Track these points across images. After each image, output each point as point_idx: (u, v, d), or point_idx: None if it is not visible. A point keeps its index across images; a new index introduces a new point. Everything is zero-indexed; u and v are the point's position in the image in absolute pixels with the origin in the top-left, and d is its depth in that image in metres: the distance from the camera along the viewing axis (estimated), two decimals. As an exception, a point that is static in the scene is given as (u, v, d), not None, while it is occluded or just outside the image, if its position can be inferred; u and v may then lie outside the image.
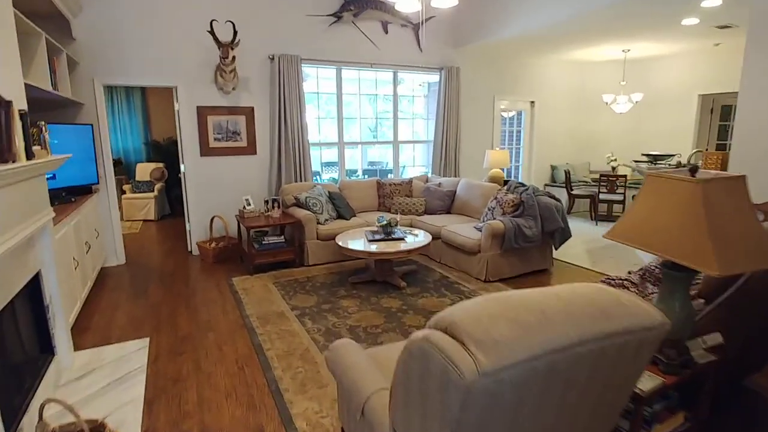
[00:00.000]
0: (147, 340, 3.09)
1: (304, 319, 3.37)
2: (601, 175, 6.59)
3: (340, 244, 3.99)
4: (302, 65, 5.36)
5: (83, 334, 3.18)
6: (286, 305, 3.65)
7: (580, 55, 7.03)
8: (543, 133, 7.74)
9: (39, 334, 2.56)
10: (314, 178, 5.97)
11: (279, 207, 4.91)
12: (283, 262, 4.70)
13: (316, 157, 6.49)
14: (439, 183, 5.62)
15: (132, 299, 3.84)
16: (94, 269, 4.06)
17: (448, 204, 5.37)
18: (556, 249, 4.56)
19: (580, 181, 7.69)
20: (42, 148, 2.29)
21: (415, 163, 6.96)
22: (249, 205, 4.95)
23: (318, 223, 4.73)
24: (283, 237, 4.75)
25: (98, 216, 4.50)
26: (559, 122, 7.88)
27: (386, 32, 5.86)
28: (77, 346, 3.01)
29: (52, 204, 3.54)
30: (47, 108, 4.30)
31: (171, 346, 3.00)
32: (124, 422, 2.21)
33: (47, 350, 2.59)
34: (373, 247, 3.89)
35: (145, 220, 7.15)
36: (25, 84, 2.82)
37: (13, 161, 1.87)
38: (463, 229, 4.48)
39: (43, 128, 2.47)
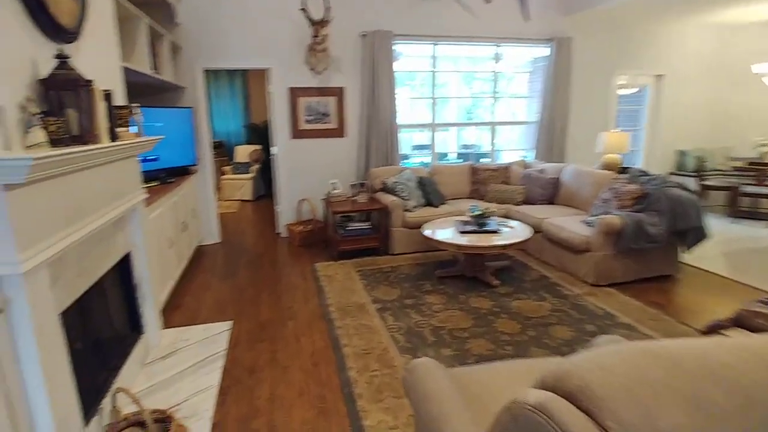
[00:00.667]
0: (230, 323, 3.08)
1: (385, 315, 3.13)
2: (750, 164, 5.43)
3: (426, 234, 3.68)
4: (395, 42, 5.05)
5: (174, 312, 3.28)
6: (367, 297, 3.45)
7: (725, 15, 5.81)
8: (671, 112, 6.61)
9: (129, 313, 2.63)
10: (403, 162, 5.70)
11: (366, 191, 4.72)
12: (367, 250, 4.52)
13: (407, 140, 6.20)
14: (542, 169, 5.01)
15: (221, 280, 3.92)
16: (190, 248, 4.22)
17: (551, 193, 4.77)
18: (687, 251, 3.79)
19: (715, 170, 6.47)
20: (128, 130, 2.29)
21: (513, 147, 6.36)
22: (336, 188, 4.83)
23: (405, 209, 4.45)
24: (369, 223, 4.56)
25: (196, 196, 4.68)
26: (692, 100, 6.67)
27: (487, 1, 5.31)
28: (168, 323, 3.09)
29: (151, 184, 3.70)
30: (153, 92, 4.52)
31: (251, 332, 2.95)
32: (196, 412, 2.15)
33: (136, 329, 2.66)
34: (464, 240, 3.51)
35: (242, 200, 7.48)
36: (126, 68, 2.88)
37: (94, 143, 1.82)
38: (568, 223, 3.90)
39: (134, 110, 2.48)
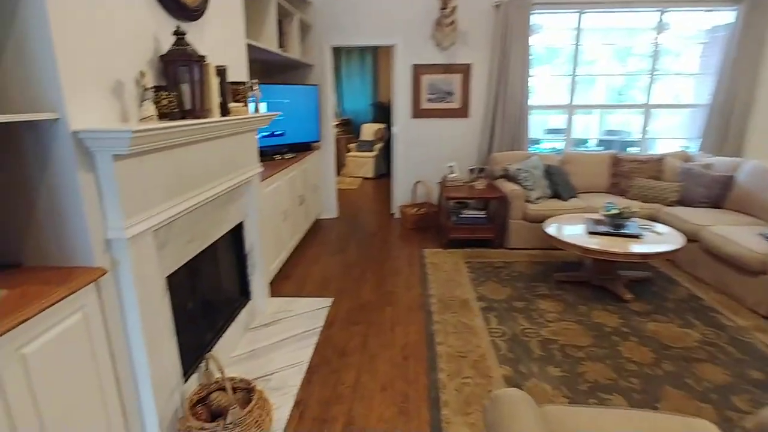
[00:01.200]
0: (330, 300, 3.11)
1: (490, 315, 2.86)
2: None
3: (549, 231, 3.24)
4: (533, 13, 4.51)
5: (284, 282, 3.44)
6: (472, 292, 3.19)
7: None
8: None
9: (240, 279, 2.79)
10: (532, 147, 5.17)
11: (485, 177, 4.38)
12: (480, 241, 4.21)
13: (539, 123, 5.61)
14: (708, 164, 4.09)
15: (331, 255, 4.01)
16: (307, 221, 4.40)
17: (719, 194, 3.86)
18: None
19: None
20: (244, 105, 2.36)
21: (671, 136, 5.33)
22: (453, 172, 4.58)
23: (527, 200, 4.02)
24: (484, 212, 4.24)
25: (317, 172, 4.85)
26: None
27: (655, -42, 4.41)
28: (277, 292, 3.25)
29: (273, 159, 3.89)
30: (282, 70, 4.74)
31: (349, 313, 2.93)
32: (283, 385, 2.19)
33: (244, 294, 2.82)
34: (593, 242, 3.01)
35: (364, 178, 7.65)
36: (253, 46, 3.00)
37: (204, 117, 1.88)
38: (740, 235, 3.10)
39: (254, 86, 2.55)
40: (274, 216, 3.31)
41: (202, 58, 1.79)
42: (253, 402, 1.79)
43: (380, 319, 2.84)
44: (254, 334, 2.68)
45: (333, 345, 2.56)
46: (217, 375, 2.07)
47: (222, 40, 2.38)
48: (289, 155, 4.03)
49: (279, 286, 3.36)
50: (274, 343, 2.58)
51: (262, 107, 3.82)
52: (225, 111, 2.10)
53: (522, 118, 4.74)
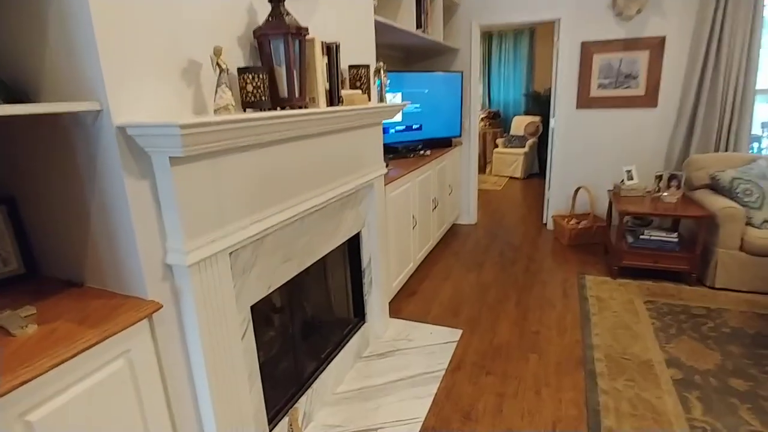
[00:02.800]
0: (459, 333, 2.53)
1: (689, 395, 1.96)
2: None
3: (794, 275, 2.15)
4: (773, -44, 3.20)
5: (408, 300, 2.97)
6: (658, 351, 2.28)
7: None
8: None
9: (354, 298, 2.40)
10: (753, 147, 3.79)
11: (679, 187, 3.28)
12: (667, 272, 3.16)
13: (762, 115, 4.12)
14: None
15: (465, 270, 3.42)
16: (440, 227, 3.87)
17: None
18: None
19: None
20: (364, 94, 1.92)
21: None
22: (631, 179, 3.55)
23: (749, 223, 2.85)
24: (675, 234, 3.15)
25: (455, 171, 4.27)
26: None
27: None
28: (399, 312, 2.80)
29: (406, 157, 3.44)
30: (423, 55, 4.25)
31: (480, 356, 2.32)
32: (386, 456, 1.71)
33: (359, 315, 2.42)
34: None
35: (511, 177, 6.80)
36: (382, 24, 2.55)
37: (303, 107, 1.47)
38: None
39: (381, 71, 2.10)
40: (400, 223, 2.85)
41: (302, 30, 1.37)
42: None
43: (521, 373, 2.17)
44: (366, 366, 2.26)
45: (456, 401, 1.99)
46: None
47: (340, 16, 1.97)
48: (425, 152, 3.54)
49: (401, 303, 2.91)
50: (386, 383, 2.12)
51: (395, 97, 3.41)
52: (335, 100, 1.67)
53: (740, 107, 3.45)
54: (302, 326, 2.06)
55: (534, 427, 1.81)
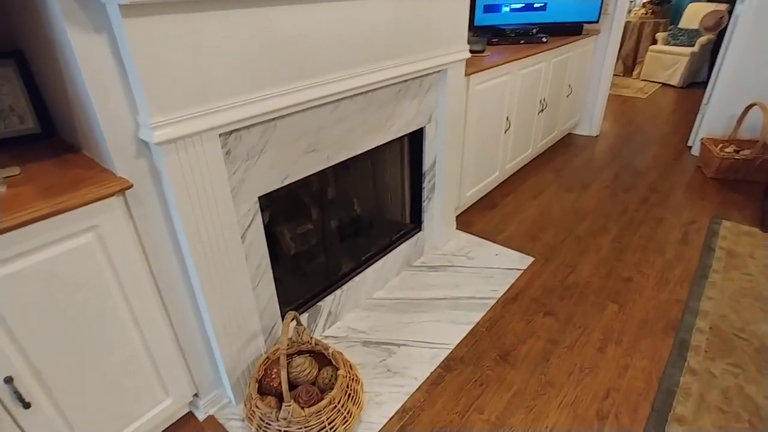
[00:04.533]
0: (529, 261, 2.19)
1: (819, 402, 1.44)
2: None
3: None
4: None
5: (483, 213, 2.63)
6: (794, 334, 1.71)
7: None
8: None
9: (412, 202, 2.15)
10: None
11: None
12: None
13: None
14: None
15: (562, 190, 2.90)
16: (546, 136, 3.28)
17: None
18: None
19: None
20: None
21: None
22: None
23: None
24: None
25: (582, 67, 3.46)
26: None
27: None
28: (469, 224, 2.51)
29: (515, 42, 2.82)
30: None
31: (545, 292, 1.98)
32: (401, 372, 1.58)
33: (415, 222, 2.19)
34: None
35: (664, 84, 5.46)
36: None
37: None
38: None
39: None
40: (487, 124, 2.41)
41: None
42: (325, 401, 1.25)
43: (590, 322, 1.81)
44: (413, 277, 2.09)
45: (498, 337, 1.74)
46: (325, 333, 1.61)
47: None
48: (541, 39, 2.85)
49: (474, 216, 2.59)
50: (428, 299, 1.94)
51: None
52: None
53: None
54: (343, 223, 1.91)
55: (581, 389, 1.51)
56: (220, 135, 1.12)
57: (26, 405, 1.00)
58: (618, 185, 2.95)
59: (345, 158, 1.56)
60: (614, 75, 5.42)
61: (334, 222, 1.84)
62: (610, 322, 1.80)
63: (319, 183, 1.67)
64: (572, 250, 2.27)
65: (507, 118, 2.59)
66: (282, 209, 1.67)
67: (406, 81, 1.68)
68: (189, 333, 1.31)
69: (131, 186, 1.02)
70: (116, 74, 0.95)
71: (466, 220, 2.54)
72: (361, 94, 1.50)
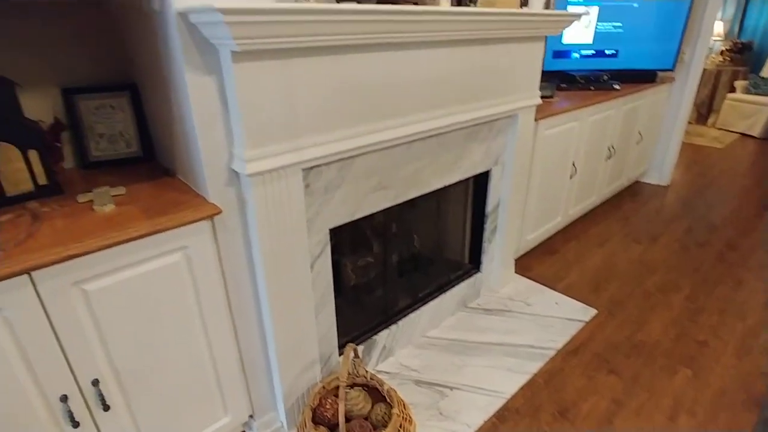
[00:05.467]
0: (592, 313, 2.09)
1: None
2: None
3: None
4: None
5: (543, 259, 2.57)
6: None
7: None
8: None
9: (472, 243, 2.14)
10: None
11: None
12: None
13: None
14: None
15: (629, 240, 2.77)
16: (612, 183, 3.17)
17: None
18: None
19: None
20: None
21: None
22: None
23: None
24: None
25: (653, 115, 3.35)
26: None
27: None
28: (527, 269, 2.45)
29: (585, 88, 2.79)
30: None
31: (609, 348, 1.88)
32: (452, 417, 1.53)
33: (474, 262, 2.17)
34: None
35: (742, 135, 5.15)
36: None
37: (420, 3, 1.18)
38: None
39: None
40: (552, 169, 2.38)
41: None
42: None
43: (659, 386, 1.69)
44: (468, 318, 2.05)
45: (557, 391, 1.66)
46: (377, 367, 1.61)
47: None
48: (613, 85, 2.81)
49: (533, 261, 2.53)
50: (483, 343, 1.90)
51: (587, 13, 2.70)
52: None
53: None
54: (403, 259, 1.93)
55: (649, 459, 1.40)
56: (302, 170, 1.19)
57: (106, 407, 1.07)
58: (691, 239, 2.78)
59: (412, 197, 1.60)
60: (687, 123, 5.20)
61: (394, 256, 1.86)
62: (682, 389, 1.67)
63: (383, 217, 1.71)
64: (639, 306, 2.15)
65: (573, 164, 2.54)
66: (345, 241, 1.72)
67: (477, 125, 1.71)
68: (253, 354, 1.36)
69: (220, 212, 1.10)
70: (219, 110, 1.04)
71: (525, 265, 2.49)
72: (433, 136, 1.54)
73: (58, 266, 0.91)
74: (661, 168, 3.64)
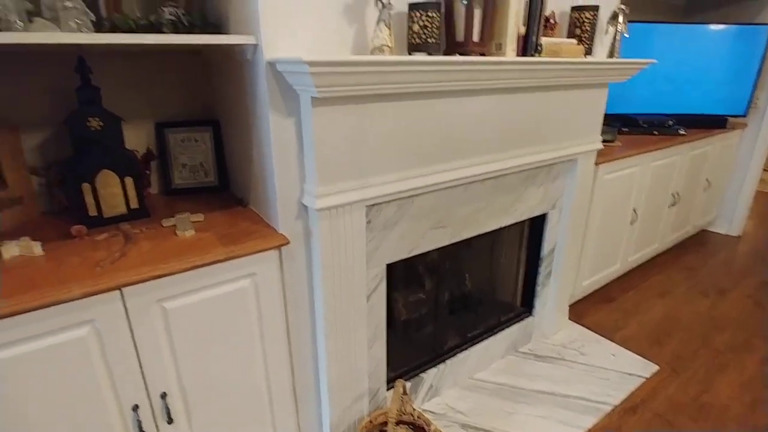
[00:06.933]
0: (653, 369, 1.97)
1: None
2: None
3: None
4: None
5: (599, 306, 2.47)
6: None
7: None
8: None
9: (525, 285, 2.11)
10: None
11: None
12: None
13: None
14: None
15: (694, 293, 2.61)
16: (676, 231, 3.02)
17: None
18: None
19: None
20: (581, 43, 1.50)
21: None
22: None
23: None
24: None
25: (723, 162, 3.19)
26: None
27: None
28: (582, 316, 2.36)
29: (648, 133, 2.73)
30: (705, 4, 3.16)
31: (673, 408, 1.76)
32: (497, 472, 1.48)
33: (526, 306, 2.13)
34: None
35: (827, 185, 4.76)
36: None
37: (486, 54, 1.23)
38: None
39: (618, 18, 1.61)
40: (611, 214, 2.32)
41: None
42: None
43: (730, 455, 1.55)
44: (518, 363, 2.00)
45: (613, 450, 1.57)
46: (423, 405, 1.60)
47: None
48: (678, 130, 2.72)
49: (588, 308, 2.43)
50: (534, 391, 1.84)
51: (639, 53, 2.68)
52: (530, 49, 1.36)
53: None
54: (454, 298, 1.93)
55: None
56: (365, 206, 1.25)
57: (170, 420, 1.14)
58: (765, 296, 2.57)
59: (468, 236, 1.61)
60: (762, 170, 4.88)
61: (445, 294, 1.86)
62: (757, 462, 1.53)
63: (436, 254, 1.73)
64: (707, 365, 2.00)
65: (634, 210, 2.46)
66: (398, 276, 1.75)
67: (535, 168, 1.71)
68: (305, 381, 1.40)
69: (288, 242, 1.17)
70: (295, 149, 1.13)
71: (580, 311, 2.40)
72: (491, 178, 1.57)
73: (145, 284, 1.00)
74: (731, 217, 3.43)
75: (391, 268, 1.61)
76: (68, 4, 0.94)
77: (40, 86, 1.28)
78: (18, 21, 0.89)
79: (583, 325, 2.27)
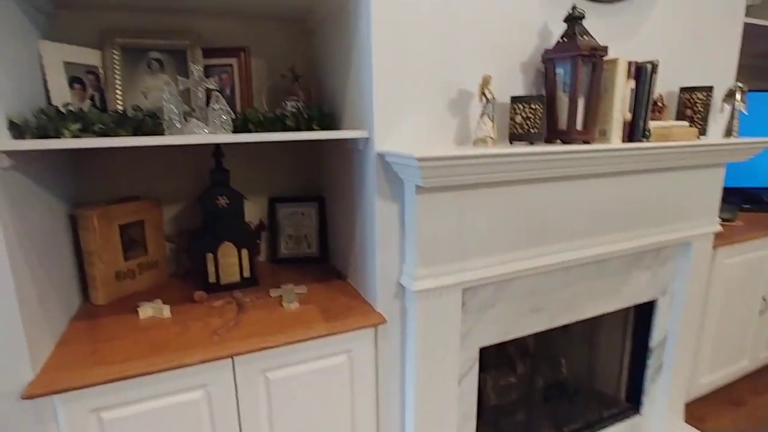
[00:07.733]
0: (802, 499, 1.62)
1: None
2: None
3: None
4: None
5: (723, 408, 2.13)
6: None
7: None
8: None
9: (631, 379, 1.90)
10: None
11: None
12: None
13: None
14: None
15: None
16: (820, 323, 2.57)
17: None
18: None
19: None
20: (693, 125, 1.42)
21: None
22: None
23: None
24: None
25: None
26: None
27: None
28: (702, 419, 2.05)
29: (754, 209, 2.44)
30: None
31: None
32: None
33: (632, 402, 1.90)
34: None
35: None
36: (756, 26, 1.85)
37: (590, 141, 1.23)
38: None
39: (737, 96, 1.52)
40: (735, 303, 2.05)
41: (597, 51, 1.14)
42: None
43: None
44: (622, 469, 1.77)
45: None
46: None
47: (679, 25, 1.52)
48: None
49: (709, 410, 2.11)
50: (643, 505, 1.60)
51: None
52: (638, 133, 1.32)
53: None
54: (548, 384, 1.79)
55: None
56: (462, 289, 1.25)
57: (261, 492, 1.16)
58: None
59: (566, 322, 1.52)
60: None
61: (538, 380, 1.74)
62: None
63: (530, 337, 1.65)
64: None
65: (764, 298, 2.16)
66: (489, 357, 1.68)
67: (642, 252, 1.60)
68: (391, 465, 1.36)
69: (385, 321, 1.20)
70: (397, 232, 1.18)
71: (699, 413, 2.08)
72: (592, 263, 1.49)
73: (254, 354, 1.07)
74: None
75: (482, 348, 1.56)
76: (215, 106, 1.12)
77: (185, 168, 1.50)
78: (178, 123, 1.07)
79: (699, 424, 1.96)
